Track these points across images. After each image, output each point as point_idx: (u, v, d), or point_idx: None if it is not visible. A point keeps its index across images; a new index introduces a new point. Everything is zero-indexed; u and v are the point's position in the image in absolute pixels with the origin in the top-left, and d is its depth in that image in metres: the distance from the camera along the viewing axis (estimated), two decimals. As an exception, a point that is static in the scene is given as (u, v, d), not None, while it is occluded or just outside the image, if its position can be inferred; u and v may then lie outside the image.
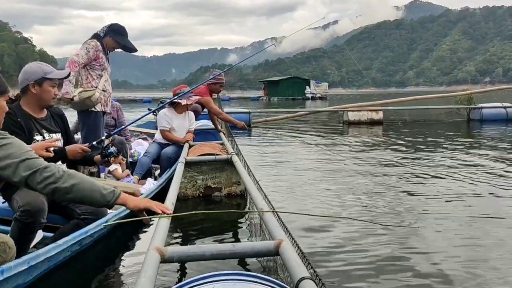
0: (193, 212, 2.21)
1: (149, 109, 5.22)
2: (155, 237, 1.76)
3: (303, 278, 1.33)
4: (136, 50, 4.60)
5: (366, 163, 6.85)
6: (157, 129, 5.41)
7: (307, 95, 58.94)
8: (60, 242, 2.46)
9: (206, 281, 1.24)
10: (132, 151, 5.31)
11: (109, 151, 3.04)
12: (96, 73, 4.30)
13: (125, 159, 4.62)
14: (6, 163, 1.88)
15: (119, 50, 4.53)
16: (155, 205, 2.06)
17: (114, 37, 4.34)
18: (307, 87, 61.65)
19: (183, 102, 5.13)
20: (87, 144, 3.15)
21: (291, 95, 59.01)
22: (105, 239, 3.13)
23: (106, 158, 3.05)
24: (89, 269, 2.88)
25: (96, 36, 4.32)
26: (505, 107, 15.17)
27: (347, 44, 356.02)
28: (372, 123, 14.63)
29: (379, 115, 15.11)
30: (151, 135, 6.41)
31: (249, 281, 1.28)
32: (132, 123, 4.87)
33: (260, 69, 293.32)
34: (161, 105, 5.23)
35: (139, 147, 5.42)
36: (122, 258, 3.11)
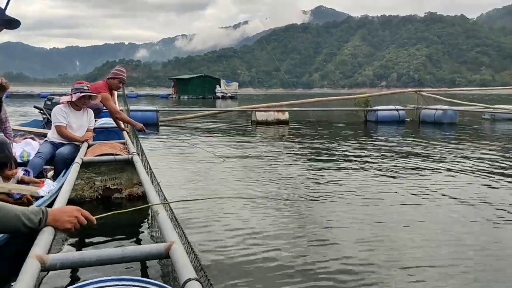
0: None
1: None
2: (36, 244, 1.65)
3: (189, 280, 1.34)
4: (19, 22, 4.15)
5: (273, 158, 7.11)
6: (44, 128, 5.02)
7: (217, 94, 59.03)
8: None
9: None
10: (20, 152, 4.87)
11: None
12: None
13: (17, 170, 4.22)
14: None
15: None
16: (81, 219, 1.84)
17: None
18: (217, 86, 61.69)
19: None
20: None
21: (202, 94, 58.71)
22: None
23: None
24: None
25: None
26: (397, 110, 16.56)
27: (257, 45, 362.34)
28: (279, 122, 15.13)
29: (285, 116, 15.67)
30: (39, 135, 5.94)
31: (133, 285, 1.26)
32: None
33: (170, 66, 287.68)
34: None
35: (28, 147, 4.99)
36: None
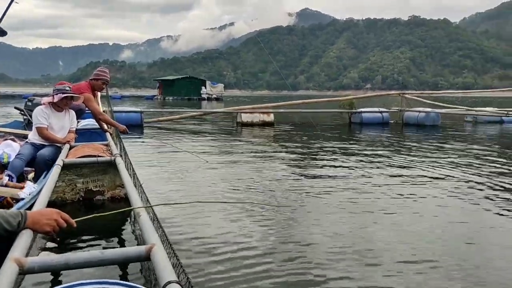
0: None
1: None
2: (15, 247, 1.63)
3: (169, 282, 1.34)
4: (6, 33, 4.08)
5: (257, 160, 7.12)
6: (25, 129, 4.93)
7: (203, 96, 58.86)
8: None
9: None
10: (0, 153, 4.79)
11: None
12: None
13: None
14: None
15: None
16: (61, 222, 1.81)
17: None
18: (203, 87, 61.53)
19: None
20: None
21: (187, 95, 58.46)
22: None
23: None
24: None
25: None
26: (381, 112, 16.75)
27: (243, 47, 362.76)
28: (264, 124, 15.16)
29: (270, 117, 15.72)
30: (20, 136, 5.84)
31: (111, 289, 1.25)
32: None
33: (155, 67, 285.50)
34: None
35: (8, 149, 4.90)
36: None
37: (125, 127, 5.72)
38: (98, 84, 5.70)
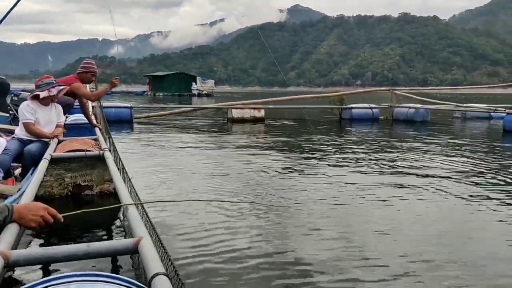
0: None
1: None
2: (0, 240, 1.61)
3: (156, 274, 1.32)
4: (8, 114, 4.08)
5: (248, 156, 7.12)
6: (11, 124, 4.86)
7: (193, 92, 58.67)
8: None
9: (45, 286, 1.16)
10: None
11: None
12: None
13: None
14: None
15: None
16: (47, 218, 1.79)
17: None
18: (193, 83, 61.30)
19: (43, 94, 4.69)
20: None
21: (177, 91, 58.23)
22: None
23: None
24: None
25: None
26: (371, 108, 16.84)
27: (234, 43, 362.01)
28: (255, 120, 15.16)
29: (261, 113, 15.72)
30: (6, 131, 5.76)
31: (96, 281, 1.23)
32: None
33: (145, 63, 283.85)
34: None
35: (-6, 145, 4.83)
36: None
37: (115, 80, 5.70)
38: (88, 76, 5.63)
